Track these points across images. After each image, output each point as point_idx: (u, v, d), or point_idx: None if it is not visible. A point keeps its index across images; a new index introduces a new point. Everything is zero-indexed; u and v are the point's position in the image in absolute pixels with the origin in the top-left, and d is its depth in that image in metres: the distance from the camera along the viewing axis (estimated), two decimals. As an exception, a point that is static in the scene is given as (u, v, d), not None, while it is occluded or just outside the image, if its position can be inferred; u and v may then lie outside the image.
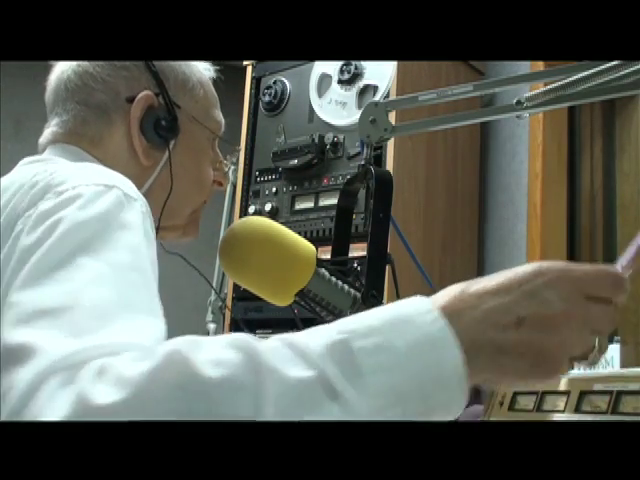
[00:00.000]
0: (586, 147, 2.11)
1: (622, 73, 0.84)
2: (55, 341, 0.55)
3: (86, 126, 0.93)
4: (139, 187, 0.89)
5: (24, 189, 0.75)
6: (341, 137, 1.99)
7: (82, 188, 0.72)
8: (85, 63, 0.94)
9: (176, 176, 0.95)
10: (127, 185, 0.77)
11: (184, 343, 0.53)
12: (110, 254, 0.67)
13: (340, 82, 1.99)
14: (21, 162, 0.87)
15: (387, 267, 0.93)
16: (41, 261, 0.64)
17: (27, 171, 0.80)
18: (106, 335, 0.57)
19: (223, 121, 1.05)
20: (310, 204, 2.04)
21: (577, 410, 1.18)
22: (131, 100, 0.93)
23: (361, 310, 0.92)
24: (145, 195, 0.91)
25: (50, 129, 0.95)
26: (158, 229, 0.93)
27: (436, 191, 2.08)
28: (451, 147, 2.15)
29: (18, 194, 0.75)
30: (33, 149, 0.96)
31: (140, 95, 0.93)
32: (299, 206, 2.07)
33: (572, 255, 2.07)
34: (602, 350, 0.63)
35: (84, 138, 0.93)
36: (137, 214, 0.74)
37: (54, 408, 0.49)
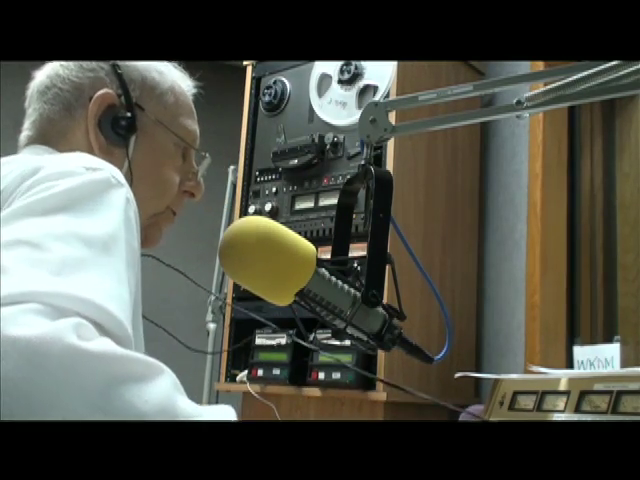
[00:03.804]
0: (586, 147, 2.11)
1: (622, 73, 0.83)
2: (27, 273, 0.60)
3: (51, 123, 0.98)
4: None
5: (15, 175, 0.77)
6: (341, 137, 1.99)
7: (73, 167, 0.75)
8: (57, 67, 0.99)
9: (135, 176, 0.97)
10: (115, 171, 0.80)
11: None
12: (91, 221, 0.70)
13: (340, 82, 1.99)
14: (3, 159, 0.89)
15: (387, 267, 0.93)
16: (29, 206, 0.68)
17: (20, 161, 0.82)
18: (71, 283, 0.61)
19: (197, 132, 1.08)
20: (310, 204, 2.04)
21: (577, 410, 1.18)
22: (92, 98, 0.96)
23: (361, 310, 0.93)
24: None
25: (23, 133, 1.01)
26: None
27: (436, 191, 2.08)
28: (451, 147, 2.15)
29: (10, 179, 0.77)
30: (33, 149, 0.96)
31: (99, 93, 0.96)
32: (299, 206, 2.07)
33: (572, 255, 2.07)
34: None
35: (51, 138, 0.97)
36: (121, 198, 0.76)
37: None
